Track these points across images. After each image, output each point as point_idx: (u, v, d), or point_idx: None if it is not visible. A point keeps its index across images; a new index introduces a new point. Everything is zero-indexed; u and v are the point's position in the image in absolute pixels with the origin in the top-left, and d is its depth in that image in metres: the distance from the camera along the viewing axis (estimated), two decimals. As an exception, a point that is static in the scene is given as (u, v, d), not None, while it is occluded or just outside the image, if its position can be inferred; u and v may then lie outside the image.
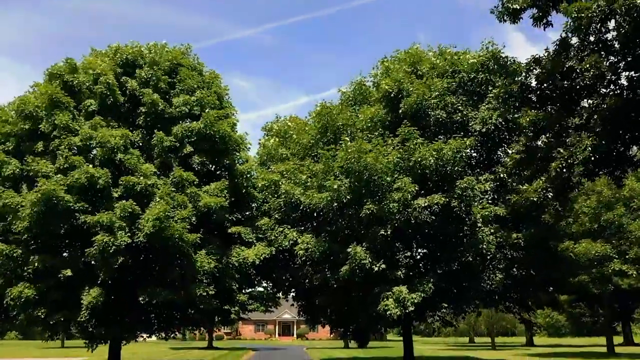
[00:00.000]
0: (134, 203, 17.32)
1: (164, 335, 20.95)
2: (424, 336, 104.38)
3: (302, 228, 20.63)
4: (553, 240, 21.88)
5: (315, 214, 20.40)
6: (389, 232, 18.23)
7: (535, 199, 16.51)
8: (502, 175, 19.65)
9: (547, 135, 15.80)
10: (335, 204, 18.78)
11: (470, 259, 19.40)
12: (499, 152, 22.51)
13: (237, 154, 22.22)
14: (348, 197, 18.52)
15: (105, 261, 16.73)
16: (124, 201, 17.19)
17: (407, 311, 17.77)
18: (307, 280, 20.77)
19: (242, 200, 21.78)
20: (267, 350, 43.86)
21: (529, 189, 16.84)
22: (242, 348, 46.18)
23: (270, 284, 23.99)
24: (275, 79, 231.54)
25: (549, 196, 16.40)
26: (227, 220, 20.53)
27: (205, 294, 18.00)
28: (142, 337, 21.02)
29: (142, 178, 17.98)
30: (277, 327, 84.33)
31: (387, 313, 17.66)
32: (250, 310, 49.86)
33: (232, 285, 19.78)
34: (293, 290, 23.76)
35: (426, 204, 18.13)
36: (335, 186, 18.39)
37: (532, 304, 23.99)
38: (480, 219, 19.23)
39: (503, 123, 20.50)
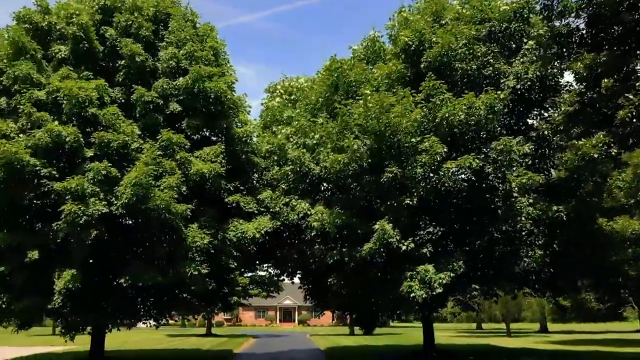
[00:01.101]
0: (110, 165, 14.64)
1: (153, 322, 18.30)
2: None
3: (311, 200, 17.91)
4: (593, 213, 19.14)
5: (328, 182, 17.75)
6: (415, 202, 15.55)
7: (595, 155, 13.80)
8: (546, 133, 16.89)
9: (609, 81, 13.05)
10: (353, 168, 16.09)
11: (505, 234, 16.78)
12: (532, 116, 19.76)
13: (235, 117, 19.51)
14: (369, 160, 15.83)
15: (77, 236, 14.04)
16: (96, 162, 14.49)
17: (434, 293, 15.15)
18: (317, 260, 18.12)
19: (241, 168, 19.08)
20: (268, 338, 41.50)
21: (587, 143, 14.09)
22: (242, 335, 43.83)
23: (273, 264, 21.22)
24: (275, 66, 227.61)
25: (612, 152, 13.72)
26: (224, 190, 17.86)
27: (197, 273, 15.36)
28: (125, 323, 18.32)
29: (120, 135, 15.27)
30: (278, 313, 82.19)
31: (411, 296, 15.04)
32: (252, 295, 47.68)
33: (230, 263, 17.15)
34: (299, 272, 21.12)
35: (457, 168, 15.44)
36: (356, 146, 15.66)
37: (570, 286, 21.28)
38: (516, 188, 16.52)
39: (539, 80, 17.77)
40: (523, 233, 17.29)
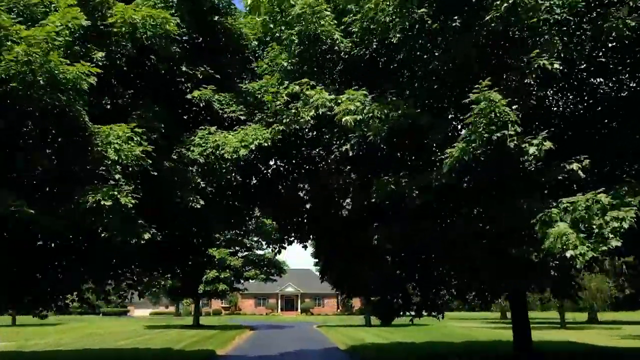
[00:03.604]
0: None
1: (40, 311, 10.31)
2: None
3: (338, 90, 9.90)
4: None
5: (369, 63, 9.86)
6: (554, 67, 7.60)
7: None
8: None
9: None
10: (414, 18, 8.24)
11: None
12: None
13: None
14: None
15: None
16: None
17: (609, 247, 7.23)
18: (345, 199, 10.21)
19: (213, 41, 11.10)
20: (267, 330, 33.79)
21: None
22: (238, 326, 36.09)
23: (271, 213, 12.98)
24: None
25: None
26: (181, 73, 10.01)
27: (111, 203, 7.49)
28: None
29: None
30: (279, 301, 75.25)
31: (568, 255, 7.09)
32: (247, 278, 39.86)
33: (191, 201, 9.24)
34: (312, 232, 12.88)
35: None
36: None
37: None
38: None
39: None
40: None
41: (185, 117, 10.50)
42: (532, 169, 7.81)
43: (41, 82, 6.93)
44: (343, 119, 8.16)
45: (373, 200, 8.74)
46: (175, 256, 11.19)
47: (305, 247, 13.15)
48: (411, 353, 16.66)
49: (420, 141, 8.46)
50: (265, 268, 37.66)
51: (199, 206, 9.29)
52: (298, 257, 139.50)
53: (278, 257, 38.85)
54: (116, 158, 8.01)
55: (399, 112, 8.31)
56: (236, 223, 12.33)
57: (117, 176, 8.17)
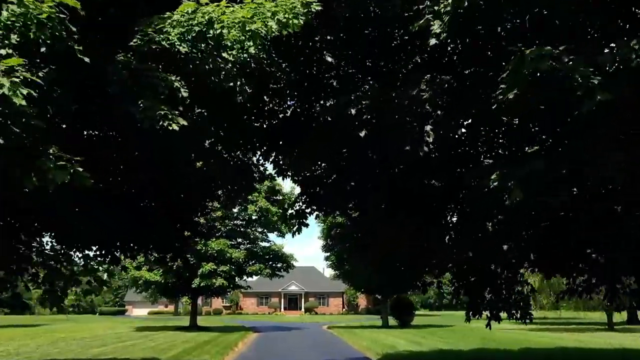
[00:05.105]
0: None
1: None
2: (433, 309, 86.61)
3: None
4: None
5: None
6: None
7: None
8: None
9: None
10: None
11: None
12: None
13: None
14: None
15: None
16: None
17: None
18: (428, 123, 6.09)
19: None
20: (273, 332, 29.72)
21: None
22: (239, 328, 32.04)
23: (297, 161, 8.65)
24: None
25: None
26: None
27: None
28: None
29: None
30: (282, 300, 71.80)
31: None
32: (250, 273, 35.31)
33: (162, 117, 5.18)
34: (363, 183, 8.54)
35: None
36: None
37: None
38: None
39: None
40: None
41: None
42: None
43: None
44: None
45: (501, 97, 4.61)
46: (130, 222, 6.99)
47: (346, 213, 8.96)
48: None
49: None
50: (270, 262, 33.46)
51: (176, 127, 5.18)
52: (301, 255, 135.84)
53: (285, 250, 34.69)
54: None
55: None
56: (242, 179, 8.14)
57: (3, 51, 4.15)
